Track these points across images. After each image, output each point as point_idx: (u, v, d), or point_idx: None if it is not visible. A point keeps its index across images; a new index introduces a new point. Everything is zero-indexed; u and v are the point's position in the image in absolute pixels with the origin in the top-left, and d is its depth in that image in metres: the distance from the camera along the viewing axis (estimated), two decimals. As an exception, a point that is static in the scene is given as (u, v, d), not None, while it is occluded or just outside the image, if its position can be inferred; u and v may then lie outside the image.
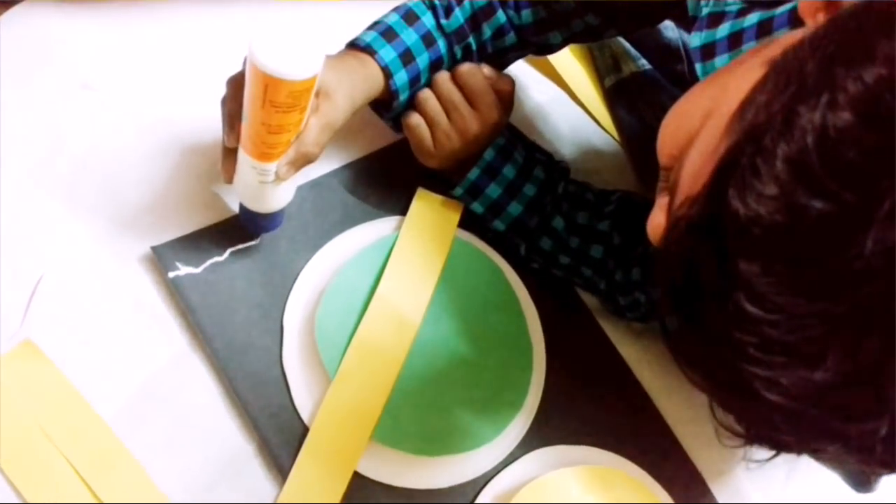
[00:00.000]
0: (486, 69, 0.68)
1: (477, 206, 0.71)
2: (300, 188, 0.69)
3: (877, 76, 0.30)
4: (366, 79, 0.64)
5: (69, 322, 0.62)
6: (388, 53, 0.65)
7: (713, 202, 0.33)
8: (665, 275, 0.37)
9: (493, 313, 0.71)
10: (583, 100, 0.88)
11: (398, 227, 0.71)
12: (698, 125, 0.39)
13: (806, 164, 0.30)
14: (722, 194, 0.33)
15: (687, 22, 0.61)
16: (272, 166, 0.57)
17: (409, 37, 0.66)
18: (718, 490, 0.76)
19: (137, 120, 0.70)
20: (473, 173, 0.70)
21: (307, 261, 0.68)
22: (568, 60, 0.88)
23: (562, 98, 0.88)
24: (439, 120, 0.68)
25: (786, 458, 0.80)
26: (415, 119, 0.68)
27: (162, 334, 0.64)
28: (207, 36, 0.75)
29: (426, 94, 0.68)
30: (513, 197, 0.70)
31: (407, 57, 0.66)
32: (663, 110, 0.80)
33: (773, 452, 0.38)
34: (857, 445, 0.33)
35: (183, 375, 0.63)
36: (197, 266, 0.65)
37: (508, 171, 0.70)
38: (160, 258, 0.64)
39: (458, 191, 0.71)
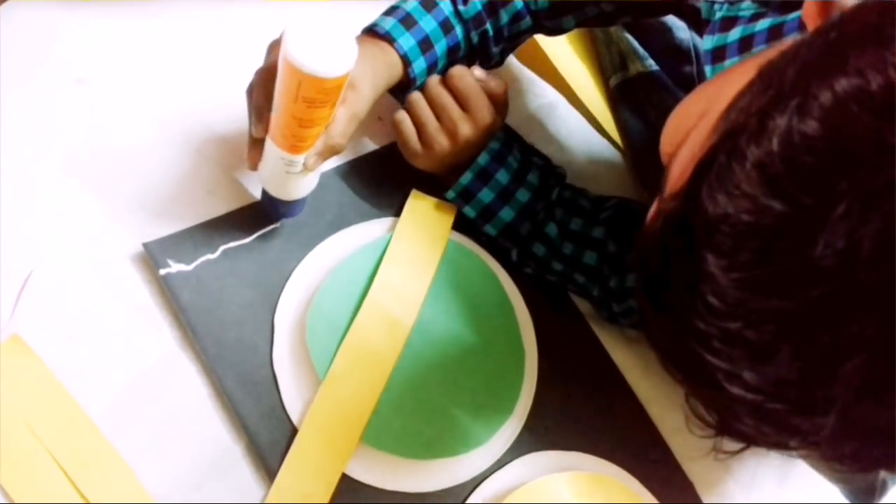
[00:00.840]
0: (478, 71, 0.68)
1: (469, 211, 0.71)
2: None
3: (847, 87, 0.31)
4: (386, 66, 0.65)
5: (58, 318, 0.61)
6: (407, 41, 0.66)
7: (689, 198, 0.34)
8: (641, 264, 0.38)
9: (485, 317, 0.71)
10: (584, 102, 0.87)
11: (392, 229, 0.71)
12: (693, 125, 0.39)
13: (770, 166, 0.31)
14: (697, 191, 0.34)
15: (699, 25, 0.62)
16: (300, 158, 0.58)
17: (428, 24, 0.67)
18: (708, 499, 0.75)
19: (131, 116, 0.70)
20: (466, 178, 0.69)
21: (300, 260, 0.68)
22: (569, 59, 0.87)
23: (560, 101, 0.88)
24: (428, 121, 0.68)
25: (777, 466, 0.80)
26: (401, 115, 0.68)
27: (152, 332, 0.63)
28: (202, 32, 0.75)
29: (416, 97, 0.68)
30: (505, 202, 0.70)
31: (426, 44, 0.67)
32: (667, 112, 0.80)
33: (742, 445, 0.39)
34: (811, 440, 0.34)
35: (172, 374, 0.62)
36: (188, 264, 0.64)
37: (502, 175, 0.70)
38: (151, 255, 0.64)
39: (451, 194, 0.71)
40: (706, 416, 0.38)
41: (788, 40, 0.39)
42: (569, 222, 0.72)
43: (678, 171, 0.39)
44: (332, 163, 0.73)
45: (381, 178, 0.74)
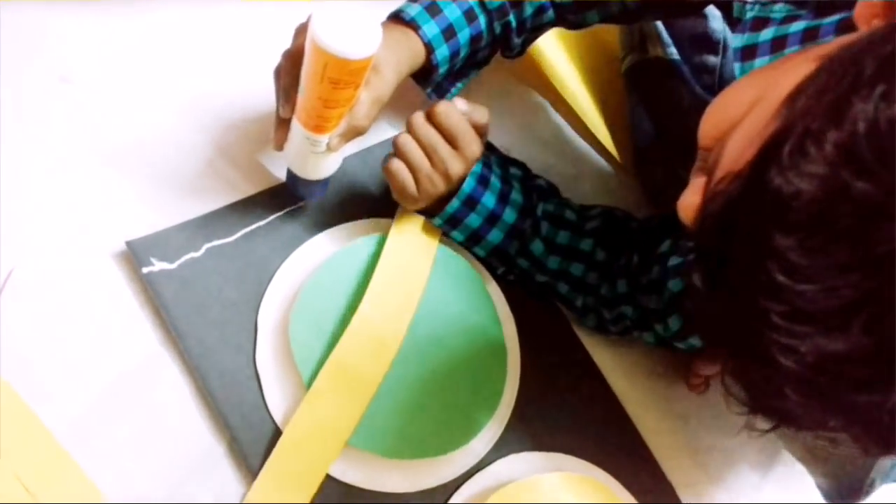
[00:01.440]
0: (461, 103, 0.67)
1: (457, 235, 0.71)
2: (278, 188, 0.70)
3: None
4: (410, 52, 0.65)
5: (40, 316, 0.61)
6: (431, 29, 0.66)
7: (755, 178, 0.36)
8: (699, 244, 0.40)
9: (470, 318, 0.71)
10: (569, 102, 0.87)
11: (375, 229, 0.71)
12: (743, 112, 0.41)
13: (854, 148, 0.33)
14: (765, 171, 0.35)
15: (732, 21, 0.62)
16: (324, 138, 0.60)
17: (453, 12, 0.67)
18: (688, 499, 0.76)
19: (114, 114, 0.69)
20: (453, 206, 0.68)
21: (284, 260, 0.68)
22: (556, 60, 0.88)
23: (542, 103, 0.88)
24: (421, 165, 0.65)
25: (756, 468, 0.81)
26: (396, 164, 0.65)
27: (133, 331, 0.63)
28: (187, 30, 0.75)
29: (405, 139, 0.65)
30: (493, 225, 0.69)
31: (449, 33, 0.67)
32: (678, 101, 0.80)
33: (772, 425, 0.41)
34: (863, 418, 0.36)
35: (154, 373, 0.62)
36: (172, 262, 0.64)
37: (488, 199, 0.68)
38: (134, 253, 0.63)
39: (438, 221, 0.70)
40: (742, 395, 0.39)
41: (840, 38, 0.41)
42: (555, 236, 0.72)
43: (734, 153, 0.40)
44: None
45: (364, 179, 0.74)
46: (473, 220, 0.69)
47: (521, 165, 0.75)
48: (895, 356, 0.33)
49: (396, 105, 0.76)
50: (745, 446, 0.82)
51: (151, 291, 0.63)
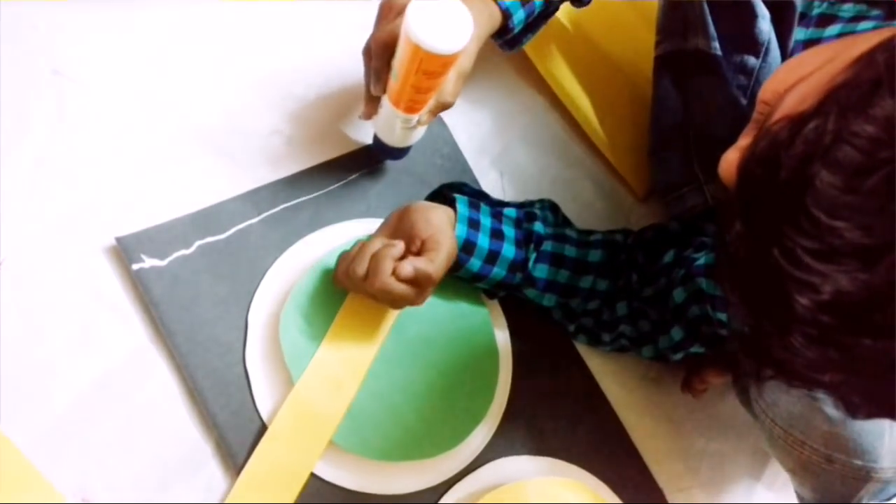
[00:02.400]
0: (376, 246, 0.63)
1: (463, 273, 0.69)
2: (272, 185, 0.69)
3: None
4: (489, 19, 0.66)
5: (27, 311, 0.60)
6: None
7: (814, 117, 0.37)
8: (742, 180, 0.41)
9: (461, 321, 0.71)
10: (567, 105, 0.87)
11: (368, 229, 0.71)
12: (813, 70, 0.42)
13: None
14: (828, 112, 0.36)
15: (786, 20, 0.64)
16: (415, 117, 0.64)
17: None
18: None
19: (106, 107, 0.69)
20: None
21: (275, 258, 0.68)
22: (555, 62, 0.87)
23: (544, 104, 0.88)
24: (407, 296, 0.62)
25: (746, 474, 0.81)
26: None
27: (122, 327, 0.62)
28: (179, 24, 0.74)
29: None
30: (493, 264, 0.68)
31: None
32: (711, 97, 0.79)
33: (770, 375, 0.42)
34: (863, 367, 0.37)
35: (142, 370, 0.62)
36: (163, 259, 0.64)
37: (482, 240, 0.67)
38: (125, 250, 0.63)
39: None
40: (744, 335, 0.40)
41: None
42: (556, 275, 0.71)
43: (796, 100, 0.41)
44: (309, 162, 0.72)
45: (358, 178, 0.74)
46: (474, 263, 0.67)
47: (517, 205, 0.73)
48: None
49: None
50: (736, 451, 0.82)
51: (141, 288, 0.63)
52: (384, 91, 0.64)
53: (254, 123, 0.72)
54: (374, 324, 0.66)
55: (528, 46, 0.79)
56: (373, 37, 0.63)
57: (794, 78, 0.43)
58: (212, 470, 0.61)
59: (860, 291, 0.35)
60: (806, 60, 0.44)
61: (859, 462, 0.57)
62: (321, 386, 0.63)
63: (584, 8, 0.77)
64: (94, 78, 0.69)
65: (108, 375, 0.61)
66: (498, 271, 0.68)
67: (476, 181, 0.79)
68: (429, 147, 0.77)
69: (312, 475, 0.63)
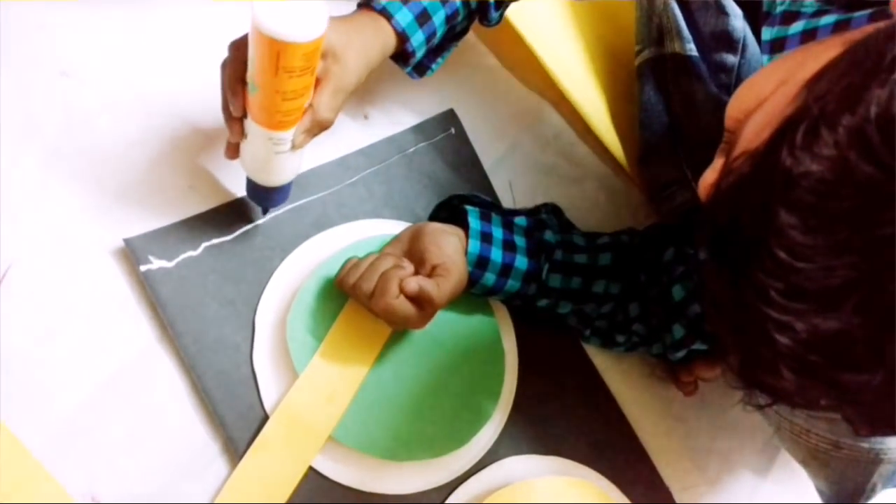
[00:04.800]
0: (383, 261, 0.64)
1: (477, 290, 0.69)
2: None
3: None
4: (377, 37, 0.63)
5: (37, 312, 0.61)
6: (404, 17, 0.63)
7: (769, 156, 0.37)
8: (709, 217, 0.40)
9: (466, 320, 0.71)
10: (573, 102, 0.86)
11: (375, 230, 0.71)
12: (768, 93, 0.42)
13: (865, 133, 0.33)
14: (778, 150, 0.36)
15: (756, 18, 0.64)
16: (288, 135, 0.57)
17: None
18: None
19: (114, 109, 0.69)
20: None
21: (282, 259, 0.68)
22: (562, 57, 0.86)
23: (545, 104, 0.88)
24: (410, 319, 0.63)
25: (752, 471, 0.81)
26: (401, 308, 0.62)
27: (130, 328, 0.63)
28: (185, 26, 0.74)
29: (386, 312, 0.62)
30: (507, 277, 0.68)
31: (423, 17, 0.64)
32: (692, 99, 0.79)
33: (768, 402, 0.42)
34: (852, 397, 0.37)
35: (150, 371, 0.62)
36: (170, 260, 0.64)
37: (495, 254, 0.67)
38: (132, 251, 0.63)
39: None
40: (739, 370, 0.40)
41: (869, 25, 0.42)
42: (569, 283, 0.70)
43: (753, 132, 0.40)
44: (313, 162, 0.73)
45: (364, 178, 0.74)
46: (488, 278, 0.67)
47: (526, 213, 0.73)
48: (882, 337, 0.34)
49: (401, 97, 0.76)
50: (743, 449, 0.82)
51: (149, 289, 0.63)
52: (242, 109, 0.56)
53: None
54: (371, 337, 0.66)
55: (533, 43, 0.79)
56: (228, 46, 0.57)
57: (753, 101, 0.43)
58: (220, 470, 0.62)
59: (835, 330, 0.35)
60: (762, 81, 0.44)
61: (866, 445, 0.57)
62: (312, 397, 0.63)
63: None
64: (102, 79, 0.70)
65: (116, 376, 0.61)
66: (513, 283, 0.68)
67: (486, 176, 0.79)
68: (438, 143, 0.77)
69: (319, 474, 0.63)
